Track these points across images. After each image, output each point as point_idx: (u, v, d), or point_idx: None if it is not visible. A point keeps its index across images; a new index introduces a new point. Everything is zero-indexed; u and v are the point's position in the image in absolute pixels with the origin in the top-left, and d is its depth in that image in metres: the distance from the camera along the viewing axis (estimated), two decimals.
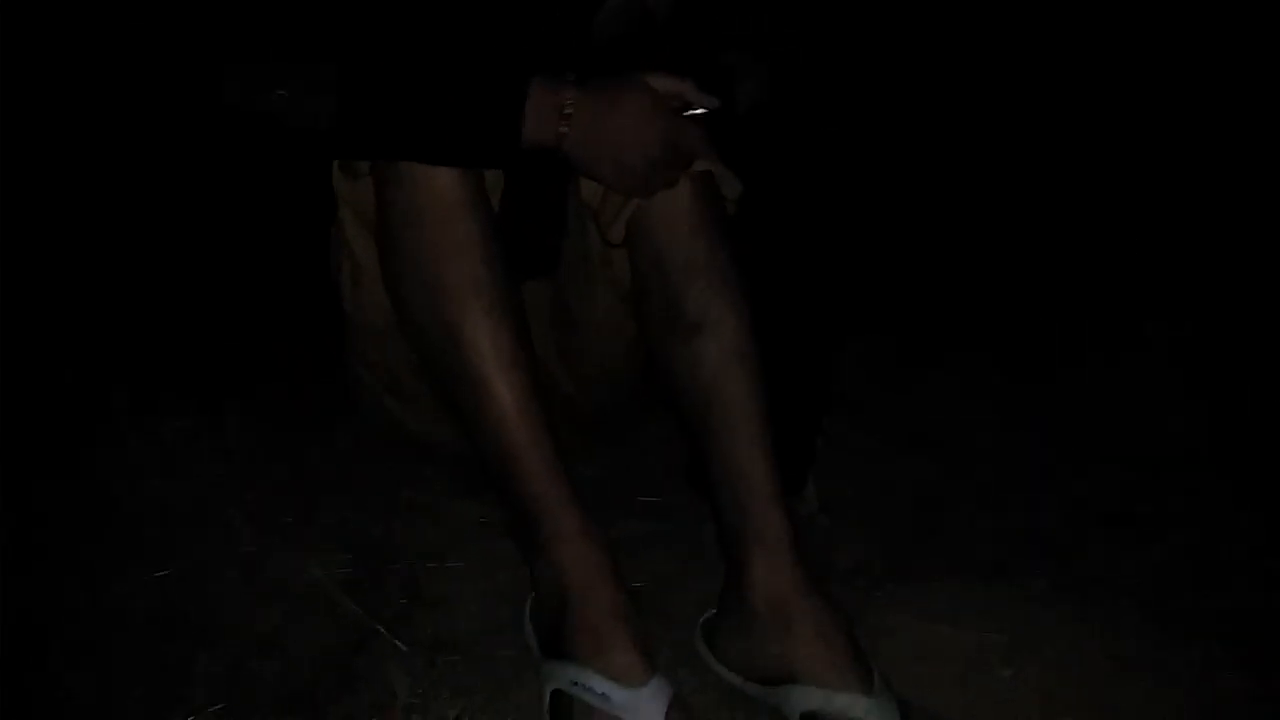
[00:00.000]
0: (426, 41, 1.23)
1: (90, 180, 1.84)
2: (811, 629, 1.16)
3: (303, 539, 1.41)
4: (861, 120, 1.62)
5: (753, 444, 1.22)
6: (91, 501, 1.42)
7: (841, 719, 1.11)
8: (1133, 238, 2.36)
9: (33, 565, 1.31)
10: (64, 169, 1.82)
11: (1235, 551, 1.53)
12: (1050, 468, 1.73)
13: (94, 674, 1.20)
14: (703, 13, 1.41)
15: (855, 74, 1.60)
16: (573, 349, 1.45)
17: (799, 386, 1.50)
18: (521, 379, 1.19)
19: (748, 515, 1.21)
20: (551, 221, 1.33)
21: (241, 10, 1.26)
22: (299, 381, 1.72)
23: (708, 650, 1.24)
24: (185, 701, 1.17)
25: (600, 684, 1.10)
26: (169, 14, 1.36)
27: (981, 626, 1.29)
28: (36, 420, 1.50)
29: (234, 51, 1.23)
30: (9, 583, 1.27)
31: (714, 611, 1.26)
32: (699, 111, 1.26)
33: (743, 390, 1.23)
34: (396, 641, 1.25)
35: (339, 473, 1.57)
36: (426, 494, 1.53)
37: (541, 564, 1.20)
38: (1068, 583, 1.42)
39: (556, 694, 1.13)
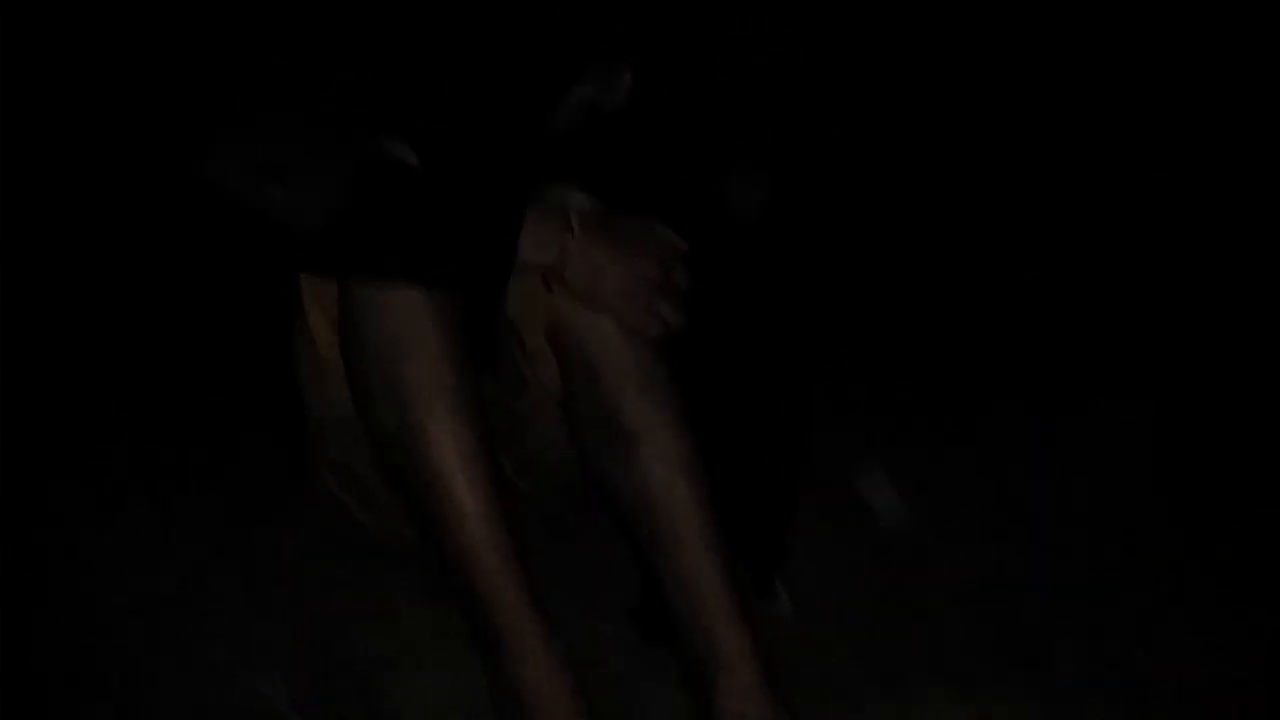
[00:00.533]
0: (420, 150, 1.21)
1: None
2: None
3: (253, 648, 1.36)
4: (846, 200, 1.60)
5: (705, 558, 1.18)
6: (31, 603, 1.36)
7: None
8: (1106, 310, 2.34)
9: None
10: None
11: (1216, 651, 1.49)
12: (1028, 559, 1.68)
13: None
14: (657, 109, 1.40)
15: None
16: (522, 450, 1.41)
17: (766, 480, 1.46)
18: (484, 479, 1.15)
19: (709, 638, 1.16)
20: (484, 317, 1.30)
21: (254, 92, 1.23)
22: (253, 476, 1.67)
23: None
24: None
25: None
26: (177, 74, 1.32)
27: None
28: None
29: (227, 120, 1.20)
30: None
31: None
32: None
33: (689, 501, 1.19)
34: None
35: (294, 574, 1.51)
36: (385, 598, 1.47)
37: (500, 678, 1.15)
38: (1045, 692, 1.37)
39: None
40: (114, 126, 1.75)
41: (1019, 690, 1.36)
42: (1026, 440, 1.98)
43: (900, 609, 1.54)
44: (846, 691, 1.36)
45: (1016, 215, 2.41)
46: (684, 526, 1.18)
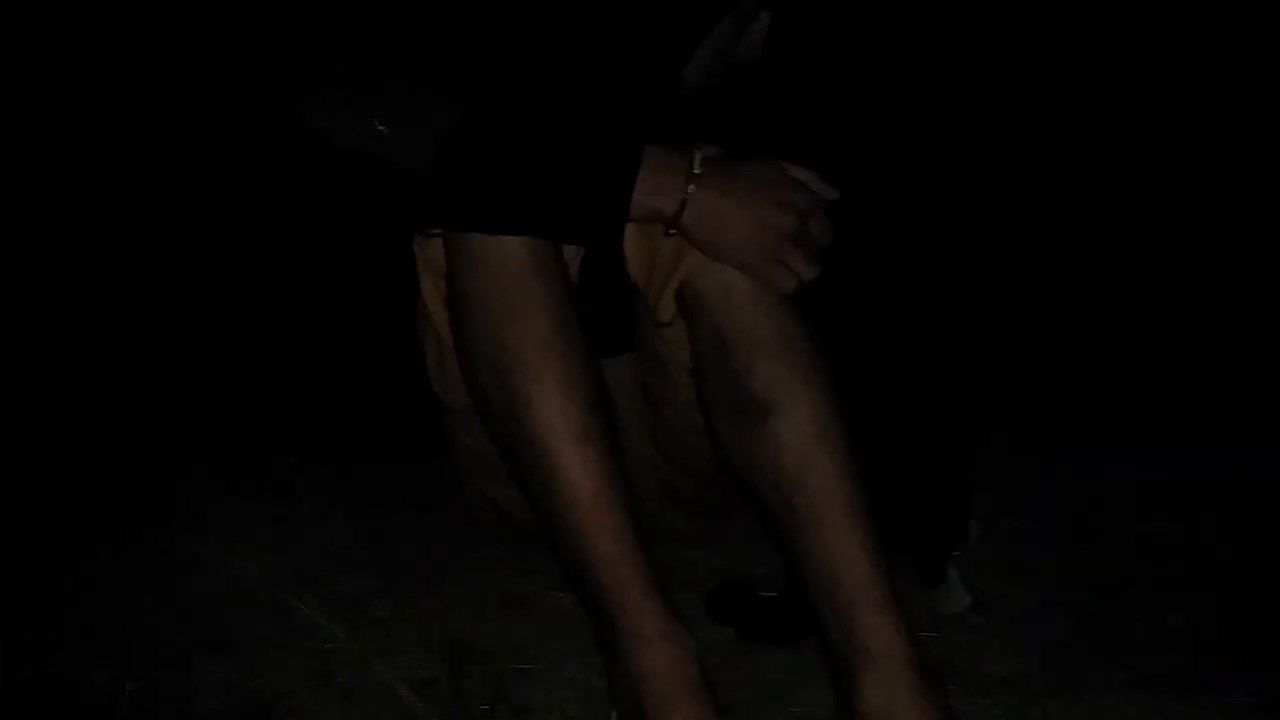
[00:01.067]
0: (533, 93, 1.13)
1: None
2: None
3: (384, 632, 1.30)
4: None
5: (847, 540, 1.04)
6: (156, 580, 1.35)
7: None
8: None
9: (89, 652, 1.24)
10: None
11: None
12: (1243, 559, 1.46)
13: None
14: (794, 61, 1.26)
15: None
16: (663, 431, 1.31)
17: (936, 455, 1.30)
18: (594, 455, 1.05)
19: (851, 628, 1.03)
20: (622, 295, 1.19)
21: (344, 23, 1.17)
22: (386, 459, 1.63)
23: None
24: None
25: None
26: (255, 18, 1.26)
27: None
28: (96, 480, 1.45)
29: (324, 67, 1.13)
30: (62, 674, 1.19)
31: None
32: None
33: (829, 477, 1.05)
34: None
35: (430, 557, 1.45)
36: (525, 585, 1.39)
37: (617, 669, 1.05)
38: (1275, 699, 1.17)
39: None
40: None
41: (1235, 698, 1.17)
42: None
43: (1089, 604, 1.36)
44: (1028, 693, 1.19)
45: None
46: (822, 502, 1.05)
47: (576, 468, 1.04)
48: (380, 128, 1.07)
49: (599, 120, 1.10)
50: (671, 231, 1.09)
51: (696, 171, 1.07)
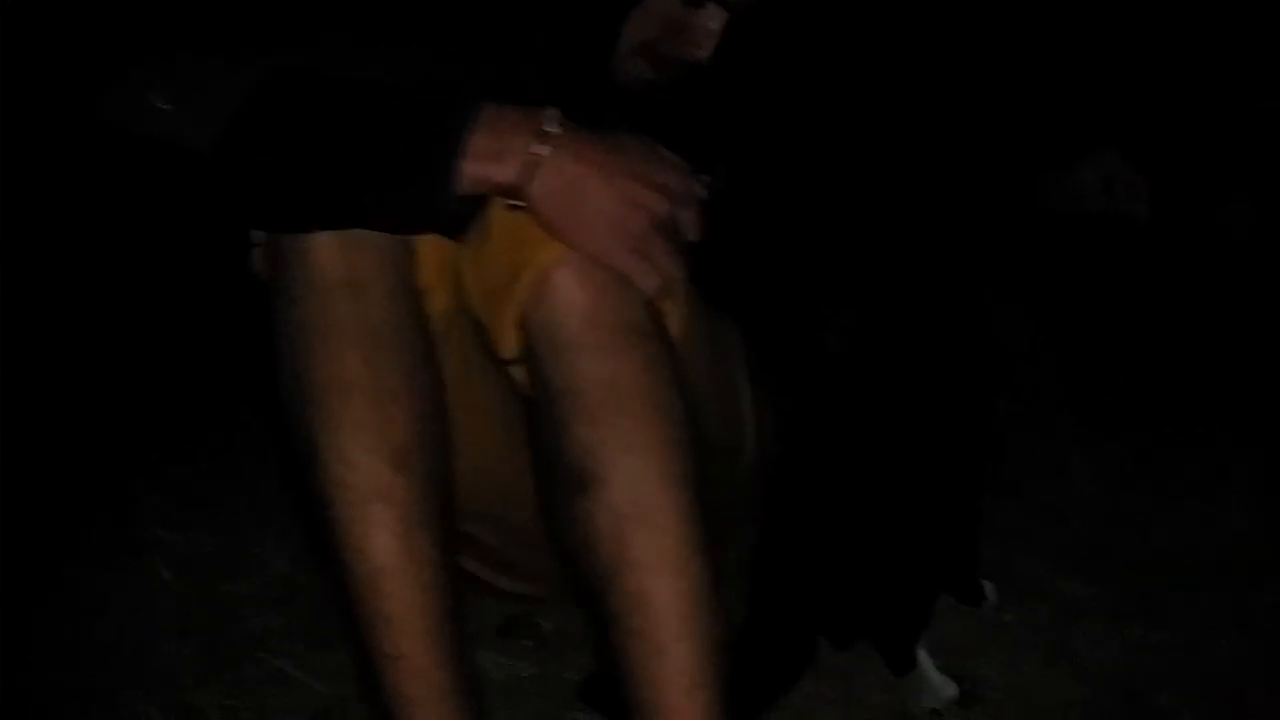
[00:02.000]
0: (345, 58, 0.93)
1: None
2: None
3: (275, 683, 1.17)
4: None
5: (661, 655, 0.83)
6: (68, 615, 1.27)
7: None
8: None
9: None
10: None
11: None
12: None
13: None
14: (748, 66, 1.06)
15: None
16: None
17: (903, 493, 1.07)
18: (389, 521, 0.85)
19: None
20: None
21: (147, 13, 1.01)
22: None
23: None
24: None
25: None
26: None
27: None
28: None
29: (128, 59, 0.95)
30: None
31: None
32: None
33: (644, 573, 0.84)
34: None
35: None
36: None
37: None
38: None
39: None
40: None
41: None
42: None
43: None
44: None
45: None
46: (633, 607, 0.84)
47: (362, 533, 0.85)
48: (163, 104, 0.89)
49: (426, 84, 0.89)
50: (517, 205, 0.85)
51: (548, 130, 0.84)
